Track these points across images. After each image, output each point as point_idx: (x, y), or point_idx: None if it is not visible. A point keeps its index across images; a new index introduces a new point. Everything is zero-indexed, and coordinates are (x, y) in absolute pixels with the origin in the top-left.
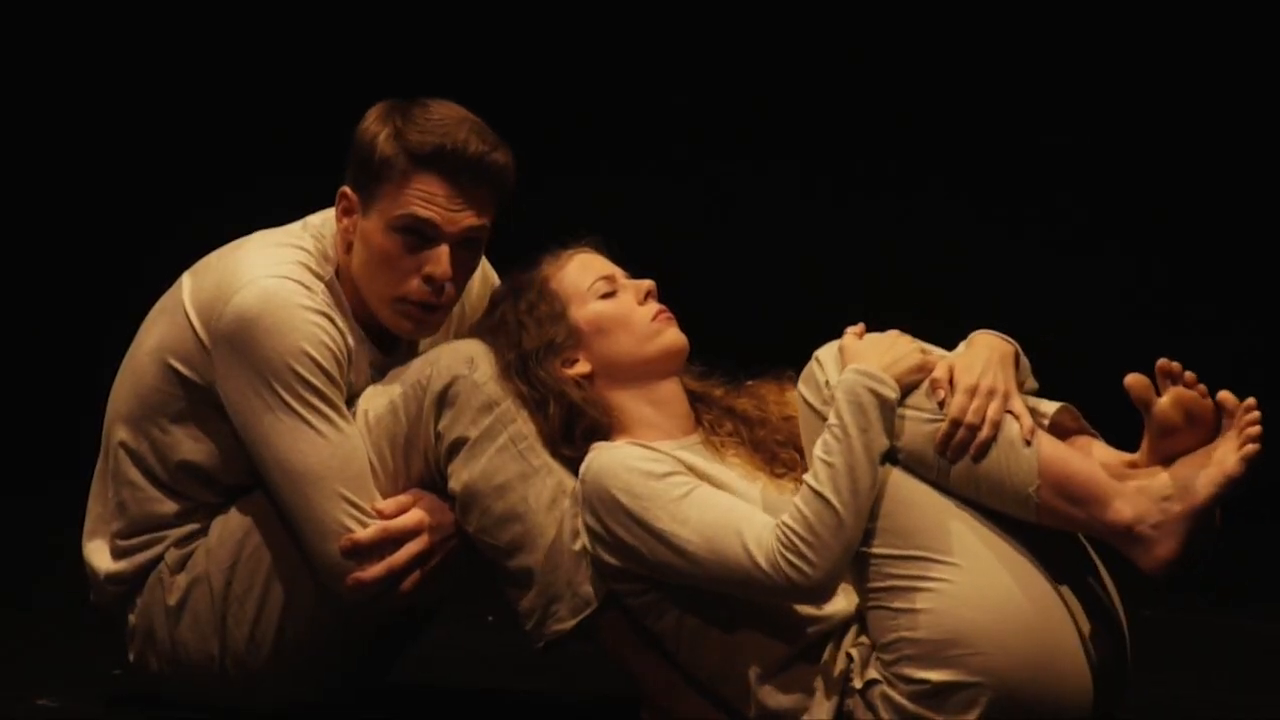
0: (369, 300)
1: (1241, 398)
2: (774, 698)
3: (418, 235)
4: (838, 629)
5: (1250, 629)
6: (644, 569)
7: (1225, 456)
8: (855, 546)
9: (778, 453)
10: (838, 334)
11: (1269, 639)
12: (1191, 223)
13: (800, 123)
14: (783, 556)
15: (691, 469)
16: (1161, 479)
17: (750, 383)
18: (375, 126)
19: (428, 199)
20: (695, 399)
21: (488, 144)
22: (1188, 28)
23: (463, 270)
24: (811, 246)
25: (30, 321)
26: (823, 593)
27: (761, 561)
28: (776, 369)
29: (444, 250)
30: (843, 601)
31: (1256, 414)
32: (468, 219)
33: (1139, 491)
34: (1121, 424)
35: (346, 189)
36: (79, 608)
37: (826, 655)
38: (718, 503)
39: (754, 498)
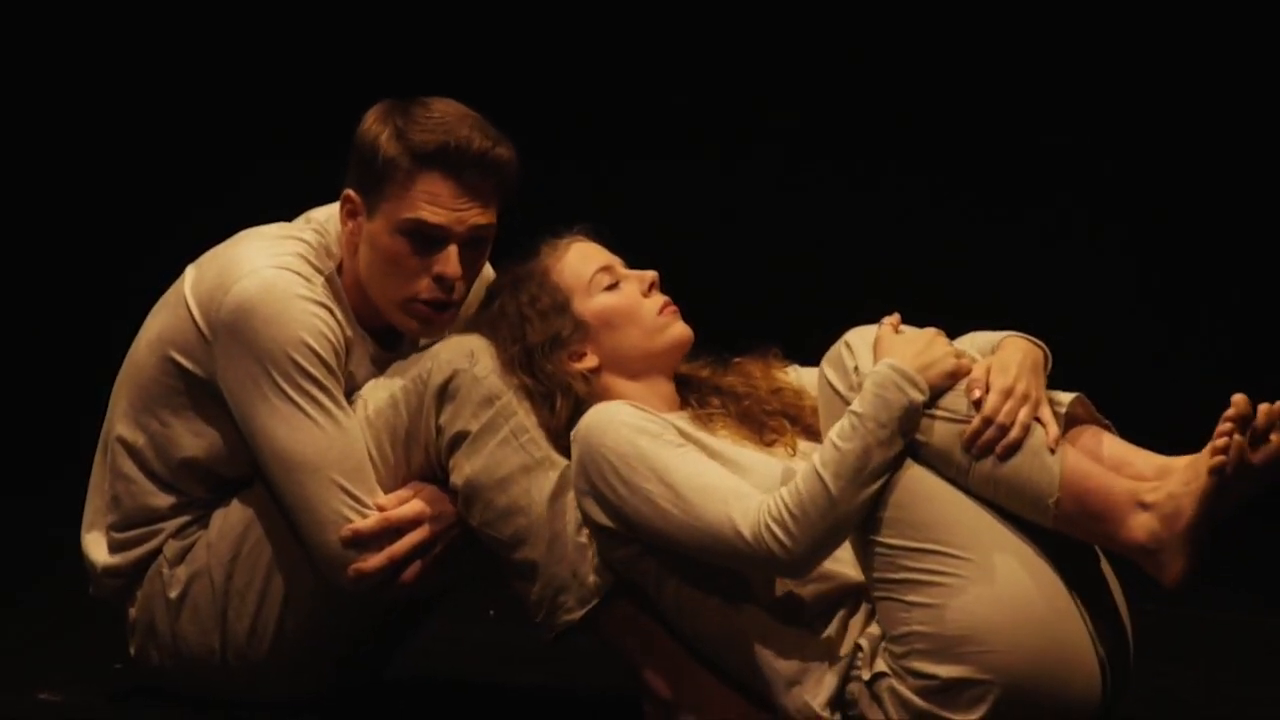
0: (378, 302)
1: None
2: (775, 664)
3: (425, 238)
4: (845, 599)
5: (1253, 622)
6: (628, 529)
7: (1200, 469)
8: (844, 533)
9: (766, 421)
10: (837, 331)
11: (1271, 632)
12: (1191, 221)
13: (800, 122)
14: (767, 528)
15: (684, 435)
16: (1161, 496)
17: (737, 360)
18: (376, 127)
19: (433, 199)
20: (681, 381)
21: (490, 139)
22: (1187, 26)
23: (472, 268)
24: (811, 245)
25: (30, 321)
26: (799, 570)
27: (744, 530)
28: (760, 347)
29: (452, 250)
30: (848, 571)
31: (1227, 425)
32: (474, 217)
33: (1146, 511)
34: (1120, 421)
35: (350, 192)
36: (80, 602)
37: (832, 629)
38: (706, 469)
39: (743, 462)
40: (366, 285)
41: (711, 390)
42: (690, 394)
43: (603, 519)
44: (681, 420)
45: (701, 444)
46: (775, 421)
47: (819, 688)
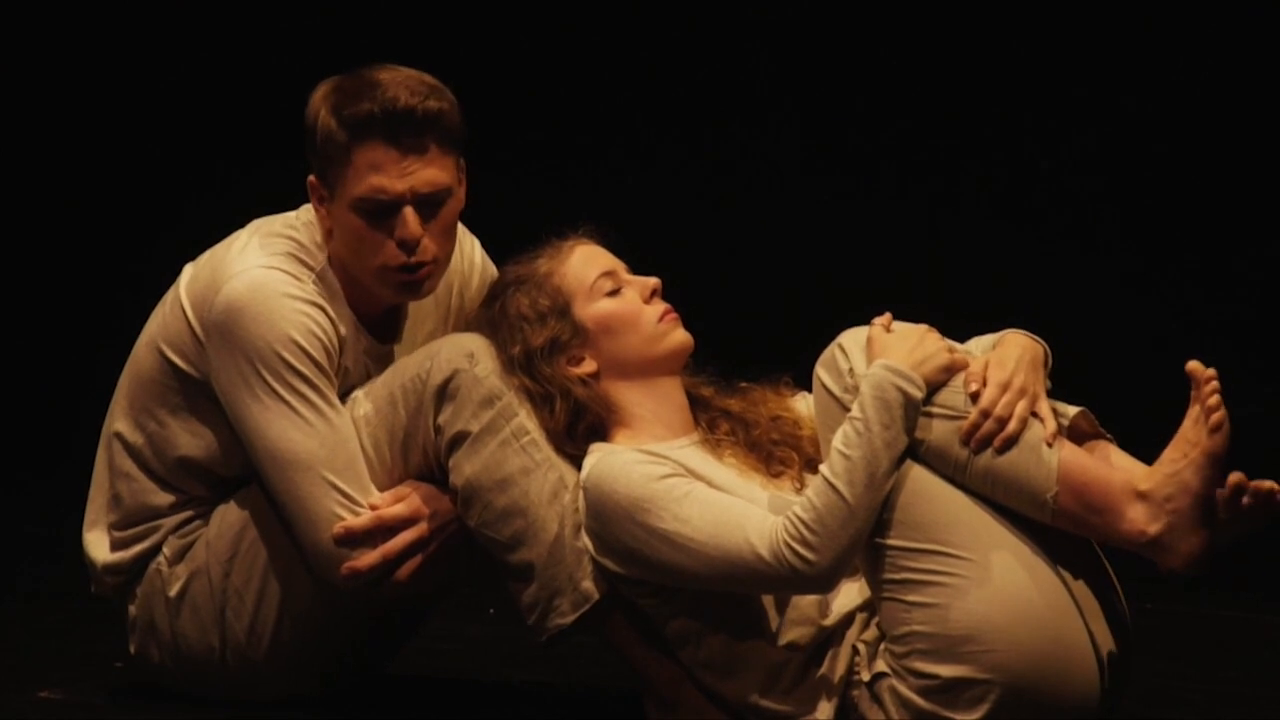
0: (360, 278)
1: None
2: (777, 699)
3: (378, 209)
4: (840, 627)
5: (1251, 620)
6: (649, 573)
7: (1198, 436)
8: (863, 540)
9: (774, 452)
10: (836, 331)
11: (1271, 632)
12: (1192, 222)
13: (800, 122)
14: (787, 546)
15: (690, 471)
16: (1156, 481)
17: (743, 385)
18: (316, 105)
19: (375, 168)
20: (689, 399)
21: (418, 94)
22: (1188, 26)
23: (438, 224)
24: (811, 244)
25: (31, 321)
26: (826, 583)
27: (765, 553)
28: (772, 374)
29: (407, 212)
30: (847, 599)
31: (1215, 384)
32: (421, 176)
33: (1143, 500)
34: (1120, 424)
35: (311, 178)
36: (80, 602)
37: (830, 654)
38: (717, 500)
39: (751, 496)
40: (345, 265)
41: (720, 414)
42: (700, 414)
43: (621, 569)
44: (691, 445)
45: (708, 480)
46: (783, 452)
47: None
